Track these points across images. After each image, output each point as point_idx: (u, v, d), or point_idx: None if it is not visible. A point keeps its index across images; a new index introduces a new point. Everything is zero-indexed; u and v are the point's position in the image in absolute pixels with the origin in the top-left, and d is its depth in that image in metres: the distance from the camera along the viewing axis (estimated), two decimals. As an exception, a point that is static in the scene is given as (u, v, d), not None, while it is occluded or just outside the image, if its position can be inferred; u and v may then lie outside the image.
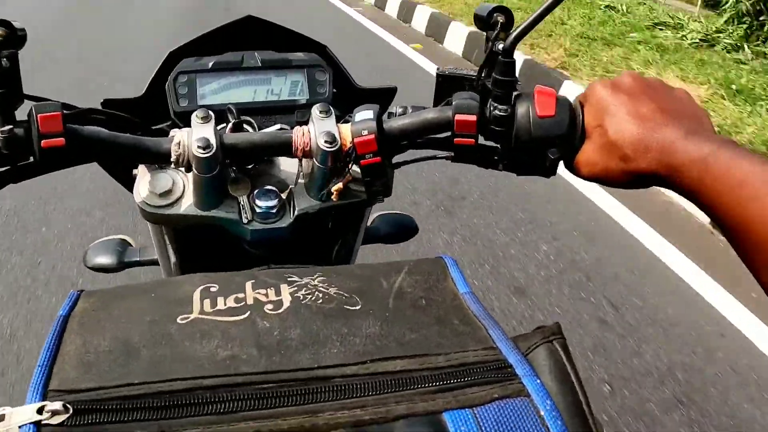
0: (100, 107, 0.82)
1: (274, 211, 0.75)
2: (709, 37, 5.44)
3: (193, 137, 0.69)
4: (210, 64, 0.88)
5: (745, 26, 5.31)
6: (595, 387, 2.04)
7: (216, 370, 0.46)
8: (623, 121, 0.59)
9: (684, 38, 5.53)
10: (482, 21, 0.68)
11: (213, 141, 0.68)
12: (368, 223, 1.15)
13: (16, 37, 0.65)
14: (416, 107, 0.75)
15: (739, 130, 3.72)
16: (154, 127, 0.88)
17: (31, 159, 0.66)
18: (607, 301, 2.48)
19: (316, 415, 0.43)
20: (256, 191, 0.76)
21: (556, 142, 0.66)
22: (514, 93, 0.68)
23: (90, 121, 0.77)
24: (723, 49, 5.22)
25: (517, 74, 0.67)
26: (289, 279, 0.56)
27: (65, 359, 0.47)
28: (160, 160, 0.72)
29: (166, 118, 0.89)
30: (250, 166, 0.79)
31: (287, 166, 0.81)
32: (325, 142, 0.69)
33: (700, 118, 0.60)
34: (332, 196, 0.73)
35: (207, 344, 0.48)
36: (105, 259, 1.15)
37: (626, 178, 0.60)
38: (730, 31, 5.38)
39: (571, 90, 4.46)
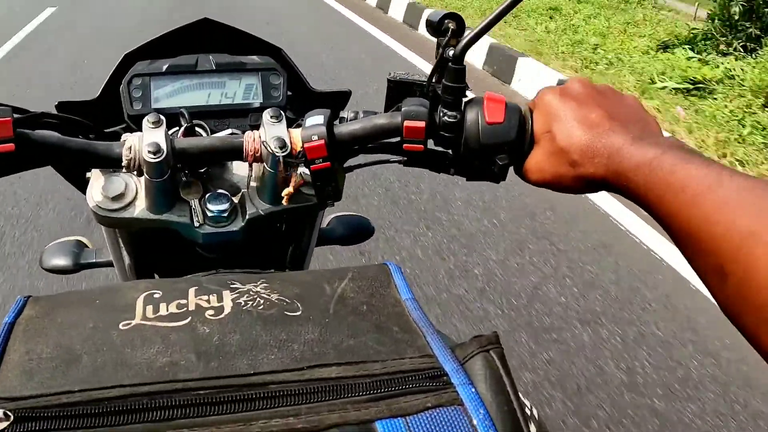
0: (54, 111, 0.81)
1: (225, 214, 0.75)
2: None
3: (144, 142, 0.68)
4: (164, 68, 0.87)
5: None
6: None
7: (154, 376, 0.46)
8: (571, 127, 0.60)
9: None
10: (433, 27, 0.68)
11: (163, 146, 0.68)
12: (324, 225, 1.15)
13: None
14: (368, 112, 0.75)
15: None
16: (107, 130, 0.88)
17: None
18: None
19: (249, 423, 0.43)
20: (208, 195, 0.76)
21: (505, 149, 0.66)
22: (464, 99, 0.69)
23: (42, 125, 0.76)
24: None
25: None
26: (231, 285, 0.56)
27: (8, 366, 0.47)
28: (111, 165, 0.72)
29: (120, 121, 0.88)
30: (202, 170, 0.79)
31: (239, 169, 0.81)
32: (276, 147, 0.69)
33: (648, 124, 0.61)
34: (283, 200, 0.74)
35: (147, 350, 0.48)
36: (61, 261, 1.14)
37: (575, 184, 0.61)
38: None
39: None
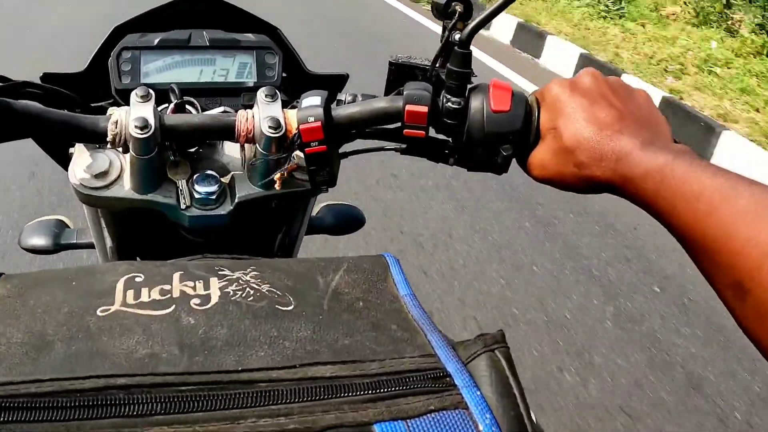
0: (38, 81, 0.78)
1: (213, 197, 0.72)
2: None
3: (131, 117, 0.65)
4: (155, 41, 0.84)
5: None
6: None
7: (132, 368, 0.42)
8: (579, 126, 0.57)
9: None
10: (439, 10, 0.66)
11: (152, 121, 0.65)
12: (314, 213, 1.12)
13: None
14: (366, 95, 0.72)
15: None
16: (93, 105, 0.85)
17: None
18: None
19: (236, 422, 0.40)
20: (196, 176, 0.73)
21: (509, 139, 0.64)
22: (469, 86, 0.66)
23: (25, 95, 0.73)
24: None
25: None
26: (219, 272, 0.53)
27: None
28: (96, 140, 0.69)
29: (107, 96, 0.85)
30: (192, 150, 0.76)
31: (230, 150, 0.77)
32: (269, 127, 0.66)
33: (658, 125, 0.58)
34: (275, 184, 0.70)
35: (126, 340, 0.45)
36: (40, 241, 1.10)
37: (579, 184, 0.59)
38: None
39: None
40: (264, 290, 0.51)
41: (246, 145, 0.71)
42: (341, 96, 0.74)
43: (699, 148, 3.95)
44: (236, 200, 0.72)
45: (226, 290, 0.51)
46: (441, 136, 0.69)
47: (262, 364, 0.44)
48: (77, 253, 2.22)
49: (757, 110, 4.27)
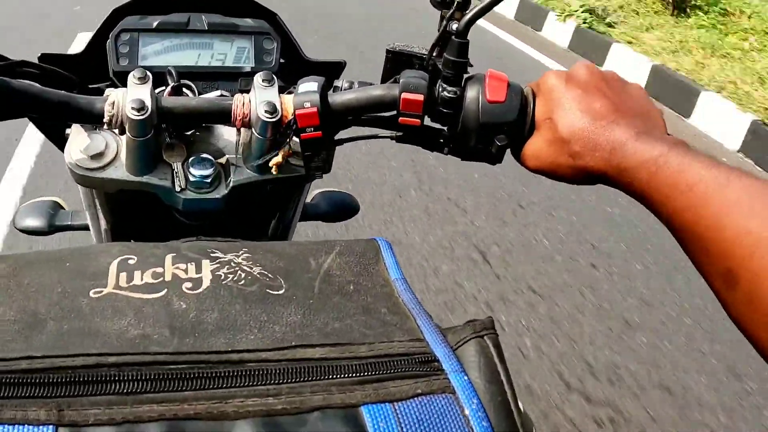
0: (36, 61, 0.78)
1: (208, 180, 0.72)
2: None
3: (128, 98, 0.66)
4: (154, 24, 0.84)
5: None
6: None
7: (124, 347, 0.43)
8: (574, 116, 0.58)
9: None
10: None
11: (148, 103, 0.65)
12: (308, 200, 1.13)
13: None
14: (363, 83, 0.72)
15: None
16: (91, 86, 0.85)
17: None
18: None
19: (225, 402, 0.40)
20: (192, 159, 0.73)
21: (504, 129, 0.64)
22: (465, 75, 0.66)
23: (22, 75, 0.73)
24: None
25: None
26: (212, 254, 0.53)
27: None
28: (92, 120, 0.69)
29: (105, 78, 0.85)
30: (188, 133, 0.76)
31: (227, 134, 0.78)
32: (266, 112, 0.66)
33: (653, 118, 0.59)
34: (270, 169, 0.71)
35: (118, 321, 0.45)
36: (35, 222, 1.10)
37: (573, 175, 0.59)
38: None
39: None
40: (255, 273, 0.52)
41: (242, 130, 0.71)
42: (338, 83, 0.74)
43: None
44: (231, 184, 0.73)
45: (218, 273, 0.51)
46: (436, 125, 0.69)
47: (251, 346, 0.44)
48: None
49: None
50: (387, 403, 0.41)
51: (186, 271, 0.51)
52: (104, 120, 0.66)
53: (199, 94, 0.78)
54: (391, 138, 0.72)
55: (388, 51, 0.72)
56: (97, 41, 0.85)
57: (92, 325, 0.45)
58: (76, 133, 0.74)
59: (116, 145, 0.72)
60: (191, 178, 0.72)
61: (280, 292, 0.50)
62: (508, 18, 6.32)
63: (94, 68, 0.85)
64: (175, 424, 0.39)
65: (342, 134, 0.73)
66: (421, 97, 0.64)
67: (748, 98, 4.17)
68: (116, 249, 0.54)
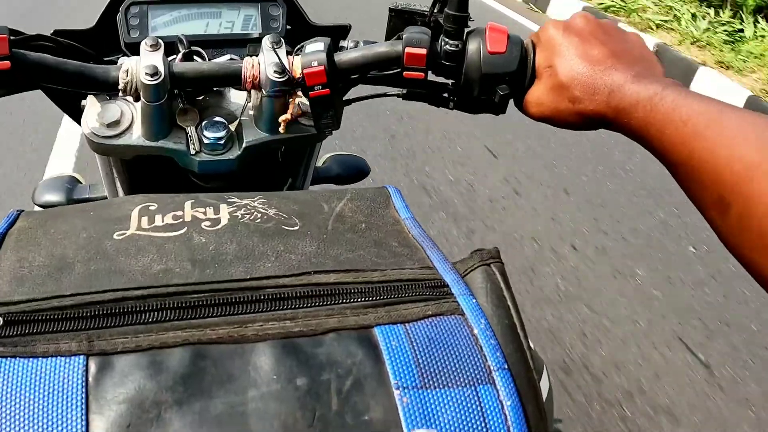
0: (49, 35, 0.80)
1: (221, 142, 0.74)
2: None
3: (142, 64, 0.68)
4: None
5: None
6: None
7: (148, 281, 0.45)
8: (573, 62, 0.60)
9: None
10: None
11: (161, 68, 0.68)
12: (319, 164, 1.15)
13: None
14: (368, 42, 0.74)
15: None
16: (105, 59, 0.87)
17: None
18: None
19: (245, 326, 0.42)
20: (205, 122, 0.75)
21: (506, 79, 0.66)
22: (466, 29, 0.68)
23: (38, 48, 0.75)
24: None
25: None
26: (229, 200, 0.56)
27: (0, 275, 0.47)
28: (108, 89, 0.71)
29: (117, 51, 0.87)
30: (200, 98, 0.78)
31: (237, 97, 0.80)
32: (275, 72, 0.68)
33: (650, 63, 0.60)
34: (280, 128, 0.73)
35: (141, 258, 0.48)
36: (54, 197, 1.13)
37: (574, 119, 0.61)
38: None
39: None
40: (271, 213, 0.54)
41: (252, 92, 0.73)
42: (344, 43, 0.76)
43: None
44: (244, 145, 0.75)
45: (235, 214, 0.53)
46: (440, 80, 0.71)
47: (269, 273, 0.46)
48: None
49: None
50: (399, 324, 0.44)
51: (204, 213, 0.53)
52: (119, 87, 0.69)
53: (209, 60, 0.80)
54: (398, 96, 0.74)
55: (390, 9, 0.74)
56: (108, 15, 0.87)
57: (117, 264, 0.47)
58: (91, 104, 0.76)
59: (131, 113, 0.75)
60: (205, 141, 0.74)
61: (296, 228, 0.53)
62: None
63: (106, 42, 0.87)
64: (198, 349, 0.41)
65: (350, 94, 0.76)
66: (423, 51, 0.66)
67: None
68: (138, 198, 0.56)
